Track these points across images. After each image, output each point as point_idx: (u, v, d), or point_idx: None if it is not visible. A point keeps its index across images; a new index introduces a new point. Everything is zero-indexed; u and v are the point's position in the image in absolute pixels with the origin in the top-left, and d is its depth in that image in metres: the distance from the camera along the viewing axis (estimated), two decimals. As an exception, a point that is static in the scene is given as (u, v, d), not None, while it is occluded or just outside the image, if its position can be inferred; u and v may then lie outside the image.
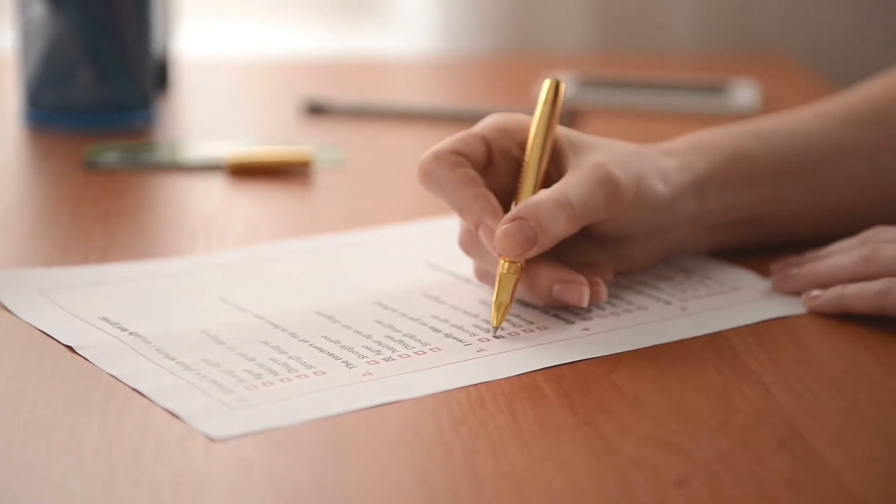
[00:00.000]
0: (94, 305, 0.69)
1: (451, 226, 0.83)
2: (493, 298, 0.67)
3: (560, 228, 0.68)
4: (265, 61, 1.33)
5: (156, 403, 0.59)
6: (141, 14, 1.02)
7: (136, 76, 1.02)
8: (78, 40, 1.00)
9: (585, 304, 0.68)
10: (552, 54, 1.52)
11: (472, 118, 1.07)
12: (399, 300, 0.71)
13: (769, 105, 1.15)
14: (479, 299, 0.72)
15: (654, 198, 0.72)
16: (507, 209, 0.70)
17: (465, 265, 0.76)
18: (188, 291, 0.72)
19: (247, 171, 0.93)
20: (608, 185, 0.69)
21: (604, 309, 0.71)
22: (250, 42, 1.67)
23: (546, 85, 0.73)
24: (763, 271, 0.75)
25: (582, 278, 0.69)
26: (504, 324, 0.68)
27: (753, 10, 1.57)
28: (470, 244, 0.72)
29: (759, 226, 0.78)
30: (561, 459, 0.55)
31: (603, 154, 0.71)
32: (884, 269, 0.69)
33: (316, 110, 1.10)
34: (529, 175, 0.71)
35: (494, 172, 0.72)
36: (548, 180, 0.71)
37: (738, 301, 0.72)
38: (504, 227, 0.67)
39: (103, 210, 0.85)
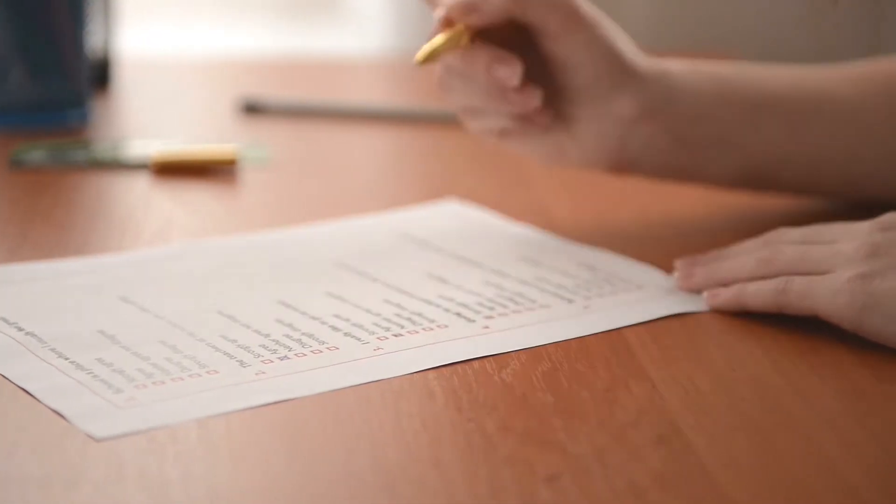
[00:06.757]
0: (-6, 305, 0.69)
1: (365, 225, 0.84)
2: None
3: None
4: (213, 61, 1.33)
5: (42, 403, 0.59)
6: (75, 11, 1.01)
7: (70, 74, 1.02)
8: (10, 38, 1.00)
9: (516, 81, 0.74)
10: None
11: (410, 118, 1.09)
12: (302, 299, 0.71)
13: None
14: (383, 298, 0.72)
15: (612, 45, 0.76)
16: None
17: (375, 265, 0.76)
18: (91, 291, 0.72)
19: (172, 170, 0.93)
20: None
21: (506, 307, 0.71)
22: (204, 42, 1.67)
23: None
24: (669, 269, 0.75)
25: (518, 59, 0.74)
26: (404, 322, 0.69)
27: (707, 11, 1.58)
28: (447, 79, 0.79)
29: (733, 155, 0.78)
30: (437, 457, 0.56)
31: None
32: (782, 271, 0.69)
33: (252, 110, 1.10)
34: None
35: None
36: None
37: (640, 298, 0.72)
38: None
39: (21, 209, 0.85)
